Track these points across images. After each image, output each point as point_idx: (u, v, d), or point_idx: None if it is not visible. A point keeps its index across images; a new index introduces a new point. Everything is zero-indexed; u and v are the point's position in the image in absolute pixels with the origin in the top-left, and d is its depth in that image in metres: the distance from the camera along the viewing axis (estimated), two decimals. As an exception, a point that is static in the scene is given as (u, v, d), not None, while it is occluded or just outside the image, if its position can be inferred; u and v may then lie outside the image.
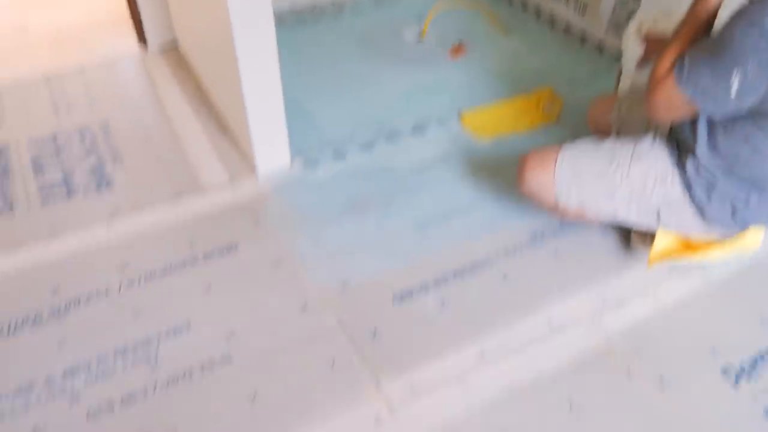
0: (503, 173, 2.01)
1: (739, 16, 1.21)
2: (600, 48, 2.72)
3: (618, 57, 2.57)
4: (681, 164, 1.51)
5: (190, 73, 2.55)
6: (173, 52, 2.72)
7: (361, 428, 1.37)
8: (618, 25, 2.59)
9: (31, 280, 1.67)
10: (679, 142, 1.52)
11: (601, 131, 1.90)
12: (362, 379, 1.46)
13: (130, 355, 1.50)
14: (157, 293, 1.64)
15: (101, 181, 2.00)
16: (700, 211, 1.51)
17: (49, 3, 3.13)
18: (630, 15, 2.48)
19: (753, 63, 1.20)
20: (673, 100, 1.34)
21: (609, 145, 1.60)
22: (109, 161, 2.07)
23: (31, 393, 1.42)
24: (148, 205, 1.90)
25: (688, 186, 1.50)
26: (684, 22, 1.38)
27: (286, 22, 2.93)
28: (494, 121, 2.27)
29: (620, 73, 1.85)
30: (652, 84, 1.38)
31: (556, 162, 1.60)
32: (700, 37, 1.36)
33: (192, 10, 2.18)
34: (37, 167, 2.05)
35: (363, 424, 1.38)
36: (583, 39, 2.80)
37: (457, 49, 2.70)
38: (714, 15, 1.35)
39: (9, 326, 1.56)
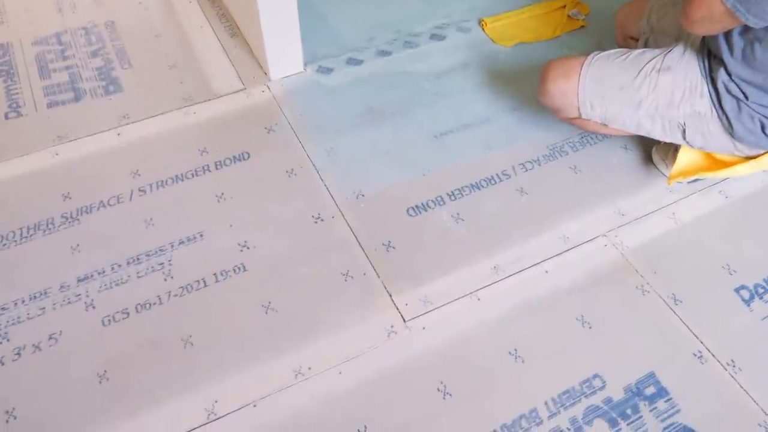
0: (524, 83, 1.94)
1: None
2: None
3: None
4: (712, 76, 1.44)
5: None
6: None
7: (373, 339, 1.39)
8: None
9: (42, 186, 1.66)
10: (711, 53, 1.45)
11: (629, 41, 1.81)
12: (375, 291, 1.47)
13: (143, 263, 1.50)
14: (170, 201, 1.63)
15: (109, 84, 1.94)
16: (729, 124, 1.46)
17: None
18: None
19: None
20: (713, 11, 1.26)
21: (637, 54, 1.53)
22: (117, 64, 2.01)
23: (47, 299, 1.43)
24: (158, 111, 1.86)
25: (717, 98, 1.44)
26: None
27: None
28: (516, 29, 2.18)
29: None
30: (689, -7, 1.30)
31: (580, 72, 1.54)
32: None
33: None
34: (43, 69, 1.99)
35: (375, 335, 1.39)
36: (612, -61, 2.64)
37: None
38: None
39: (21, 232, 1.56)
